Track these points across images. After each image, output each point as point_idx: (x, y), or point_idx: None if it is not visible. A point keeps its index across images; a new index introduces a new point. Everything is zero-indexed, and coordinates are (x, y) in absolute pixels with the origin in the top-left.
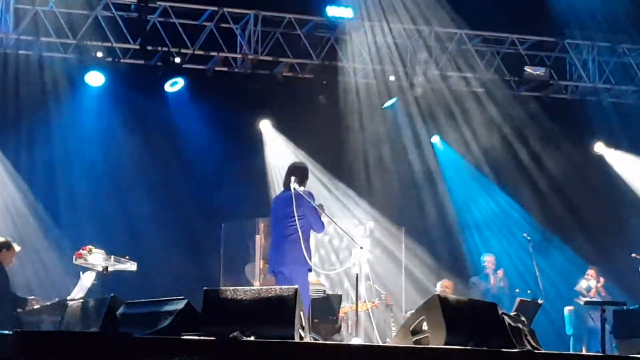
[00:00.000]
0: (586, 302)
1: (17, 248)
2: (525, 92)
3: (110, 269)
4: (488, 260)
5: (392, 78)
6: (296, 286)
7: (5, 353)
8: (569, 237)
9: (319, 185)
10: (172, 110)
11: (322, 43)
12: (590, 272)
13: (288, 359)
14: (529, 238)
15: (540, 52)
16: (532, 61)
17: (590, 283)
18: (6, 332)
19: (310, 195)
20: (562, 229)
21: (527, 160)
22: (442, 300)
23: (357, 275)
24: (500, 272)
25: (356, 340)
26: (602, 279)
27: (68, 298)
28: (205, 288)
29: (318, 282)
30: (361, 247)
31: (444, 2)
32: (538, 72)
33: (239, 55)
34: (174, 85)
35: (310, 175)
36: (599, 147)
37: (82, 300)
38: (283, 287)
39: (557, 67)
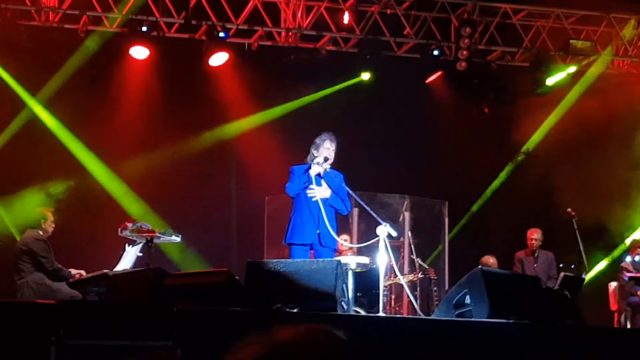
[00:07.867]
0: (630, 278)
1: (50, 213)
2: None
3: (155, 241)
4: (535, 236)
5: (436, 52)
6: (339, 259)
7: (50, 322)
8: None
9: (360, 159)
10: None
11: (366, 17)
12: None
13: None
14: (573, 213)
15: (586, 26)
16: (577, 35)
17: (636, 258)
18: (51, 301)
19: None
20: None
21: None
22: (485, 274)
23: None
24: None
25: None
26: None
27: (114, 270)
28: (248, 260)
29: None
30: (385, 225)
31: None
32: (583, 46)
33: (282, 29)
34: (218, 59)
35: (350, 148)
36: None
37: (127, 272)
38: (325, 259)
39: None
